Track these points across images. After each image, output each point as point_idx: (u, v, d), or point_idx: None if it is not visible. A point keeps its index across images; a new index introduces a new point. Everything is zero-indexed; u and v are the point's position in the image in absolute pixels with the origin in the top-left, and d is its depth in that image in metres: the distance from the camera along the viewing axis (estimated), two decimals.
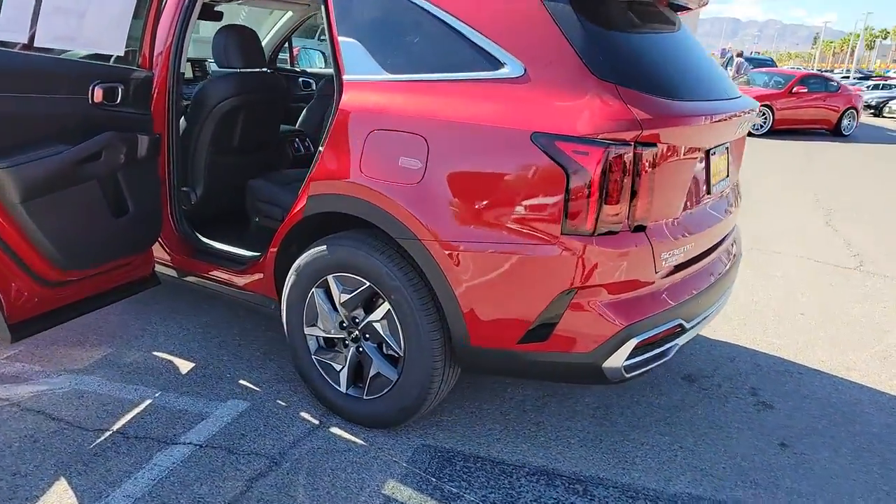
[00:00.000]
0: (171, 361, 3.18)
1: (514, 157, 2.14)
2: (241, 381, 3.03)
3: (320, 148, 2.59)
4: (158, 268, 3.36)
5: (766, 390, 3.18)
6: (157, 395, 2.88)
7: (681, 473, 2.49)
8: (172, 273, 3.36)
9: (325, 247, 2.58)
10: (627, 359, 2.19)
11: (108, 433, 2.58)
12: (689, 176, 2.35)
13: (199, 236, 3.29)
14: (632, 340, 2.17)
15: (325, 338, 2.75)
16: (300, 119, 4.28)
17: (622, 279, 2.16)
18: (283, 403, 2.86)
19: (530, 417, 2.82)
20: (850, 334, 3.91)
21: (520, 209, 2.15)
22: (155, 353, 3.25)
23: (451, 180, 2.24)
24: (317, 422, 2.73)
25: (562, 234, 2.11)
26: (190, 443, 2.54)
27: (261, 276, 2.95)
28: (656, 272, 2.24)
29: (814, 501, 2.38)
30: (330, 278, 2.61)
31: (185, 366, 3.14)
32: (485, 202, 2.20)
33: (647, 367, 2.28)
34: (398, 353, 2.48)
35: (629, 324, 2.16)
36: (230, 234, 3.43)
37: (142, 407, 2.78)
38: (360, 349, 2.62)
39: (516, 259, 2.17)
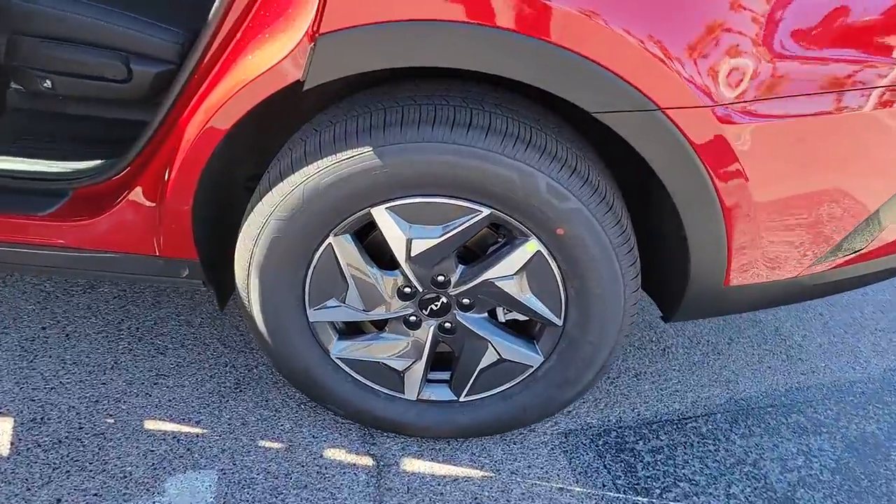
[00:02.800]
0: None
1: None
2: (149, 425, 1.52)
3: None
4: None
5: None
6: None
7: (863, 342, 1.95)
8: None
9: (369, 149, 1.11)
10: None
11: None
12: None
13: None
14: None
15: (355, 322, 1.39)
16: None
17: None
18: (276, 445, 1.50)
19: (652, 348, 1.93)
20: None
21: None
22: None
23: None
24: (370, 462, 1.48)
25: None
26: None
27: (147, 207, 1.31)
28: None
29: None
30: (381, 212, 1.19)
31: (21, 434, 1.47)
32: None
33: None
34: (554, 322, 1.31)
35: None
36: None
37: None
38: (450, 326, 1.36)
39: (872, 112, 1.10)
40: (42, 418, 1.51)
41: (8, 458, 1.42)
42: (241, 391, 1.63)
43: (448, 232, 1.21)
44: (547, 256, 1.22)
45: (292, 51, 1.03)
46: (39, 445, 1.46)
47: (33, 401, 1.55)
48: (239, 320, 1.83)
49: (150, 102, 1.48)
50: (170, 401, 1.59)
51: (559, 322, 1.31)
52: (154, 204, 1.32)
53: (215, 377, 1.66)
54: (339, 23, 0.99)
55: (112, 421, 1.53)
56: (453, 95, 1.16)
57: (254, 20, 1.11)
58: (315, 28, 0.99)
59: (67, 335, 1.72)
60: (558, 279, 1.25)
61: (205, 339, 1.77)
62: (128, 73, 1.40)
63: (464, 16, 0.98)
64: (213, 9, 1.15)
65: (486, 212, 1.18)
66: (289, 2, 1.05)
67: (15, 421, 1.50)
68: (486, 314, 1.35)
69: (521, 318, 1.37)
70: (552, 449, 1.54)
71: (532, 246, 1.22)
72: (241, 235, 1.27)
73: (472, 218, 1.19)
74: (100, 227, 1.37)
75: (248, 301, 1.33)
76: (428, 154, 1.11)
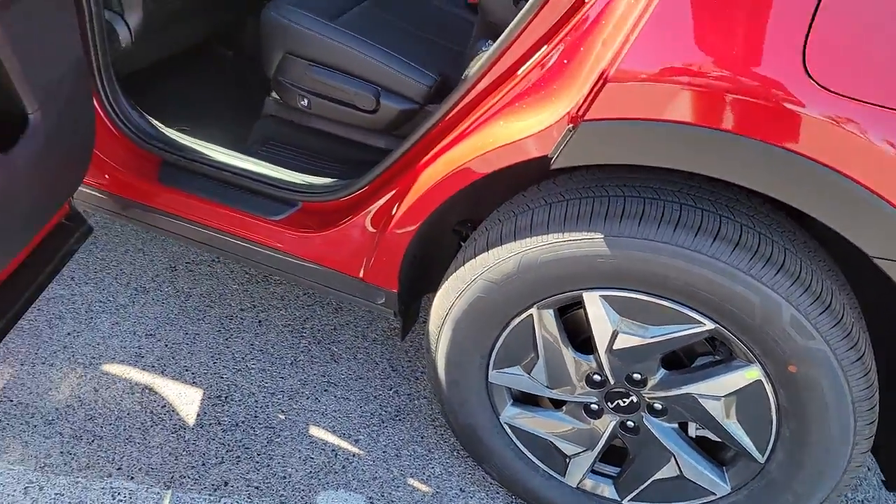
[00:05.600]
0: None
1: None
2: (314, 432, 1.59)
3: None
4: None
5: None
6: None
7: None
8: (109, 205, 1.64)
9: (600, 236, 1.07)
10: None
11: None
12: None
13: (173, 134, 1.54)
14: None
15: (532, 393, 1.35)
16: None
17: None
18: (424, 488, 1.50)
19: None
20: None
21: None
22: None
23: None
24: None
25: None
26: None
27: (369, 233, 1.37)
28: None
29: None
30: (594, 298, 1.14)
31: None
32: None
33: None
34: (754, 458, 1.18)
35: None
36: (208, 122, 1.69)
37: None
38: (633, 426, 1.28)
39: None
40: (226, 397, 1.64)
41: (192, 429, 1.55)
42: (400, 419, 1.65)
43: (660, 336, 1.12)
44: (767, 388, 1.10)
45: (548, 128, 1.01)
46: (220, 423, 1.58)
47: (221, 378, 1.68)
48: (409, 345, 1.87)
49: (389, 133, 1.56)
50: (335, 411, 1.65)
51: (761, 459, 1.17)
52: (375, 231, 1.37)
53: (379, 398, 1.70)
54: (609, 112, 0.95)
55: (283, 417, 1.62)
56: (702, 196, 1.08)
57: (512, 86, 1.10)
58: (580, 111, 0.96)
59: (260, 322, 1.85)
60: (773, 415, 1.12)
61: (375, 356, 1.82)
62: (376, 105, 1.47)
63: (756, 131, 0.89)
64: (475, 66, 1.17)
65: (709, 326, 1.09)
66: (553, 78, 1.03)
67: (203, 394, 1.64)
68: (676, 425, 1.25)
69: (715, 437, 1.25)
70: None
71: (753, 373, 1.10)
72: (444, 286, 1.28)
73: (691, 328, 1.10)
74: (319, 241, 1.45)
75: (435, 348, 1.34)
76: (663, 256, 1.04)
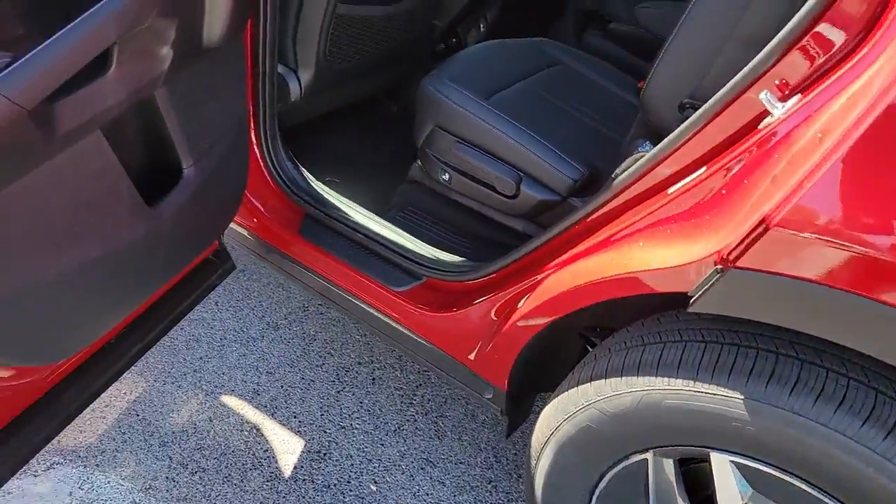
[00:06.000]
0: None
1: None
2: None
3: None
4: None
5: None
6: None
7: None
8: (254, 246, 1.72)
9: (739, 397, 0.90)
10: None
11: None
12: None
13: (320, 188, 1.59)
14: None
15: None
16: None
17: None
18: None
19: None
20: None
21: None
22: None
23: None
24: None
25: None
26: None
27: (490, 321, 1.30)
28: None
29: None
30: (723, 461, 0.97)
31: None
32: None
33: None
34: None
35: None
36: (354, 180, 1.72)
37: None
38: None
39: None
40: (325, 455, 1.63)
41: (286, 481, 1.56)
42: None
43: None
44: None
45: (691, 263, 0.88)
46: (313, 481, 1.57)
47: (325, 432, 1.68)
48: (517, 438, 1.75)
49: (527, 219, 1.48)
50: (427, 494, 1.58)
51: None
52: (496, 320, 1.30)
53: (475, 490, 1.60)
54: (766, 264, 0.80)
55: (374, 489, 1.57)
56: (877, 372, 0.87)
57: (660, 205, 0.98)
58: (731, 255, 0.82)
59: (374, 380, 1.84)
60: None
61: (481, 442, 1.72)
62: (516, 191, 1.40)
63: None
64: (626, 171, 1.06)
65: None
66: (707, 207, 0.90)
67: (305, 446, 1.64)
68: None
69: None
70: None
71: None
72: (554, 402, 1.16)
73: None
74: (436, 321, 1.41)
75: (535, 466, 1.22)
76: (815, 438, 0.85)
